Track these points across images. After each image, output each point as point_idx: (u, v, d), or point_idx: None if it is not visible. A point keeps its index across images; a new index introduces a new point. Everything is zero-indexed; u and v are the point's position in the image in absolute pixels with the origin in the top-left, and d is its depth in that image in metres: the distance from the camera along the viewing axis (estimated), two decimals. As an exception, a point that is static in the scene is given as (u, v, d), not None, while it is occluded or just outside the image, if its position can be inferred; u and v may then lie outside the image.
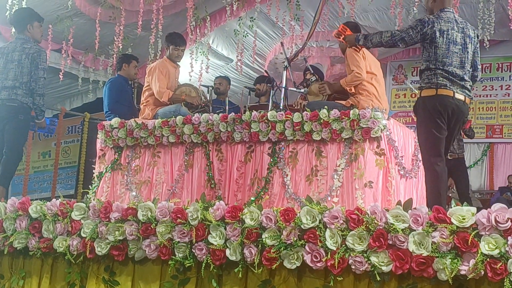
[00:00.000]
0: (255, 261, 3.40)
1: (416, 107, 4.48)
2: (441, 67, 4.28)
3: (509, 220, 2.90)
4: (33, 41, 5.76)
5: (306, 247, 3.30)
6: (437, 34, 4.27)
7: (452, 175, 7.27)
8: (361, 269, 3.17)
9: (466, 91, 4.37)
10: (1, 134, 5.68)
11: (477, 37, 4.56)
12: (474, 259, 2.91)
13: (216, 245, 3.50)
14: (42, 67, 5.65)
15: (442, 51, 4.29)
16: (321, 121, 4.83)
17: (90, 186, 5.79)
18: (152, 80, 5.94)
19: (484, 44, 8.22)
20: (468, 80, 4.40)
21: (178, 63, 6.30)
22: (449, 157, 4.49)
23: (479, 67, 4.59)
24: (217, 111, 5.76)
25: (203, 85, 6.62)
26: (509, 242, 2.86)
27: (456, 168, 7.40)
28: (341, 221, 3.27)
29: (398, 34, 4.39)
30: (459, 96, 4.31)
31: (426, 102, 4.34)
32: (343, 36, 4.98)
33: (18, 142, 5.74)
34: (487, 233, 2.94)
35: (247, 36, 9.85)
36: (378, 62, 5.46)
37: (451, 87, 4.28)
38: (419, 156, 4.81)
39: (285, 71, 5.57)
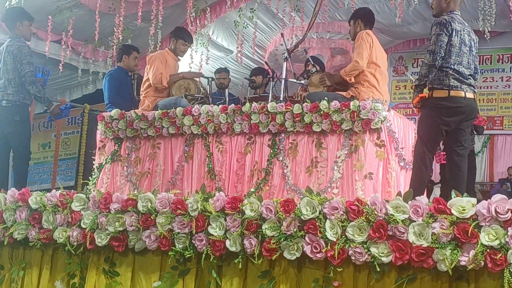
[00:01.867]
0: (255, 252, 3.40)
1: (425, 104, 4.49)
2: (452, 66, 4.35)
3: (509, 211, 2.90)
4: (18, 39, 5.80)
5: (306, 238, 3.30)
6: (453, 33, 4.36)
7: None
8: (361, 260, 3.17)
9: (473, 88, 4.50)
10: (1, 134, 5.75)
11: (478, 43, 4.67)
12: (474, 250, 2.91)
13: (216, 236, 3.50)
14: (26, 61, 5.69)
15: (456, 49, 4.39)
16: (321, 112, 4.82)
17: (90, 178, 5.80)
18: (150, 70, 5.93)
19: (485, 36, 8.21)
20: (472, 78, 4.52)
21: (179, 56, 6.30)
22: (458, 150, 4.53)
23: (478, 71, 4.70)
24: (217, 103, 5.75)
25: (203, 77, 6.59)
26: (509, 233, 2.86)
27: None
28: (341, 212, 3.27)
29: (431, 48, 4.33)
30: (469, 95, 4.44)
31: (438, 103, 4.41)
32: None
33: (23, 144, 5.82)
34: (487, 224, 2.94)
35: (247, 27, 9.83)
36: (385, 54, 5.43)
37: (462, 87, 4.39)
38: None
39: (285, 63, 5.56)
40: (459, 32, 4.38)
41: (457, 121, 4.42)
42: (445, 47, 4.34)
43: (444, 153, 4.74)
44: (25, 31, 5.90)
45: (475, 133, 7.85)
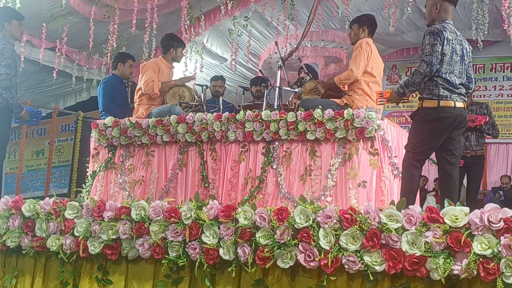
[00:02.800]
0: (248, 260, 3.41)
1: (416, 114, 4.51)
2: (443, 75, 4.35)
3: (502, 220, 2.92)
4: (5, 40, 5.66)
5: (300, 247, 3.31)
6: (445, 42, 4.36)
7: (466, 172, 7.12)
8: (354, 269, 3.18)
9: (463, 97, 4.50)
10: None
11: (471, 52, 4.66)
12: (467, 259, 2.92)
13: (209, 244, 3.51)
14: (5, 63, 5.49)
15: (447, 58, 4.38)
16: (315, 120, 4.83)
17: (83, 185, 5.77)
18: (142, 78, 5.93)
19: (478, 45, 8.24)
20: (463, 87, 4.51)
21: (178, 62, 6.31)
22: (449, 159, 4.53)
23: (473, 79, 4.70)
24: (211, 110, 5.76)
25: (197, 84, 6.60)
26: (501, 242, 2.88)
27: (471, 165, 7.13)
28: (335, 221, 3.28)
29: (428, 59, 4.32)
30: (459, 104, 4.43)
31: (428, 113, 4.41)
32: (386, 98, 4.79)
33: None
34: (480, 233, 2.96)
35: (242, 35, 9.84)
36: (382, 64, 5.44)
37: (452, 97, 4.39)
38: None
39: (279, 71, 5.57)
40: (450, 41, 4.39)
41: (447, 131, 4.43)
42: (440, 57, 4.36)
43: None
44: (14, 31, 5.73)
45: (481, 134, 7.41)
